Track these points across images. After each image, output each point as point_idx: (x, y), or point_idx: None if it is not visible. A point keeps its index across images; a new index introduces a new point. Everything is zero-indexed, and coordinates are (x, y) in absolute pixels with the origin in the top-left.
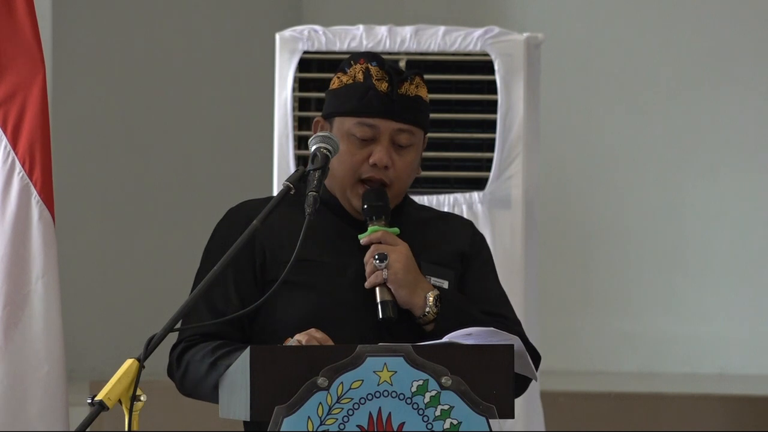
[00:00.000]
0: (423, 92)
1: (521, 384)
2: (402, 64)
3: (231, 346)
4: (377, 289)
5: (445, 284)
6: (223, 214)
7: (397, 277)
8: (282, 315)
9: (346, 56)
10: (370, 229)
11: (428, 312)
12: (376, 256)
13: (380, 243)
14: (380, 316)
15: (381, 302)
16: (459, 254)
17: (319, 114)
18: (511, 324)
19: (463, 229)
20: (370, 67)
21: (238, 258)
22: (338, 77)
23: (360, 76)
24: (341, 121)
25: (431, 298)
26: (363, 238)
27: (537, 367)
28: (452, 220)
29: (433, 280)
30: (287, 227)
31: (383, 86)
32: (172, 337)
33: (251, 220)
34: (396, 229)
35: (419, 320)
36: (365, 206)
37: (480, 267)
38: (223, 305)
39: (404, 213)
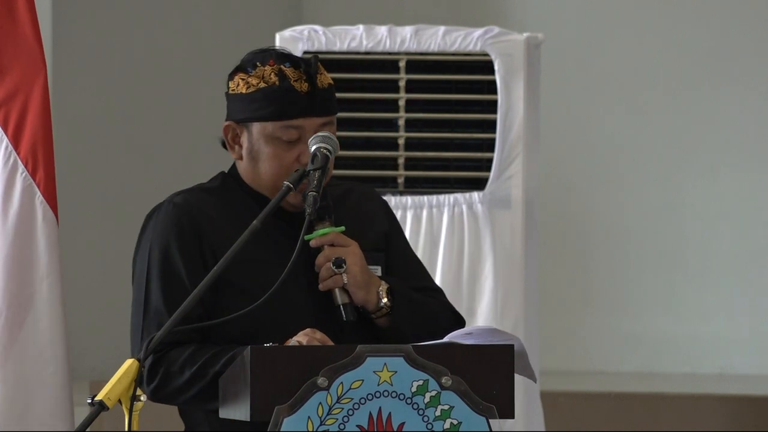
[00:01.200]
0: (329, 77)
1: None
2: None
3: (207, 351)
4: (336, 291)
5: (378, 270)
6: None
7: (356, 279)
8: (238, 320)
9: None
10: (320, 231)
11: (382, 306)
12: (334, 262)
13: (332, 245)
14: (344, 319)
15: (342, 305)
16: (383, 233)
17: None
18: (438, 295)
19: (374, 204)
20: (283, 68)
21: (189, 260)
22: (243, 79)
23: (273, 79)
24: (263, 126)
25: (383, 293)
26: (312, 240)
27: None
28: (361, 194)
29: (371, 268)
30: (231, 225)
31: (304, 87)
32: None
33: (191, 215)
34: (342, 228)
35: (372, 315)
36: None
37: (397, 241)
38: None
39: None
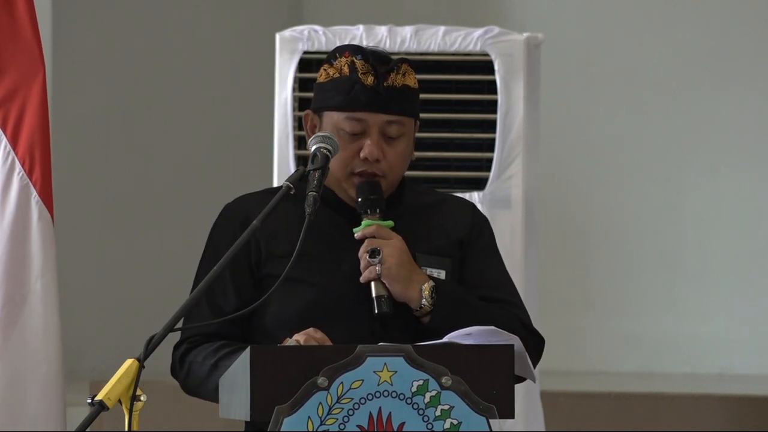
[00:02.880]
0: (410, 80)
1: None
2: None
3: (232, 346)
4: (372, 284)
5: (443, 274)
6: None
7: (391, 272)
8: (277, 311)
9: (333, 49)
10: (364, 223)
11: (424, 304)
12: (369, 252)
13: (374, 237)
14: (375, 312)
15: (376, 297)
16: (457, 241)
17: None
18: (512, 308)
19: (462, 213)
20: (355, 60)
21: (236, 255)
22: (325, 69)
23: (346, 70)
24: (330, 115)
25: (426, 291)
26: (357, 233)
27: (541, 352)
28: (452, 204)
29: (430, 270)
30: (281, 221)
31: (369, 80)
32: (173, 337)
33: (246, 215)
34: (390, 222)
35: (416, 313)
36: (359, 200)
37: (480, 251)
38: (223, 303)
39: (403, 201)
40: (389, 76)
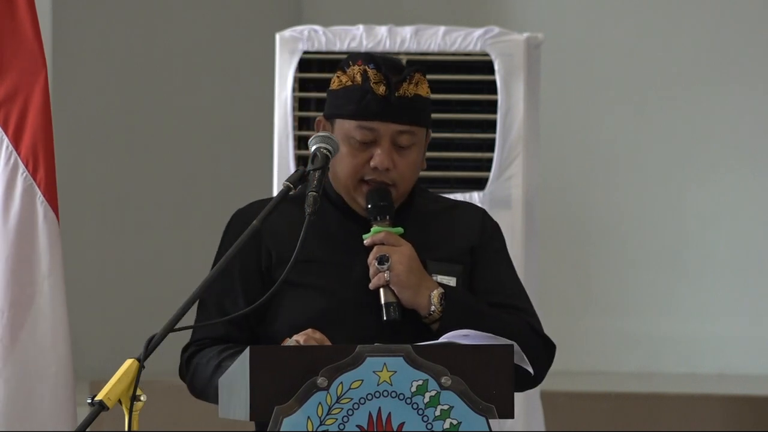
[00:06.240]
0: (423, 89)
1: (523, 380)
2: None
3: (236, 348)
4: (381, 290)
5: (453, 281)
6: (229, 214)
7: (400, 278)
8: (288, 317)
9: (346, 56)
10: (373, 229)
11: (433, 311)
12: (378, 258)
13: (383, 244)
14: (384, 318)
15: (385, 304)
16: (468, 247)
17: (321, 114)
18: (524, 315)
19: (472, 219)
20: (367, 69)
21: (246, 261)
22: (338, 77)
23: (358, 78)
24: (341, 123)
25: (435, 297)
26: (366, 239)
27: (552, 358)
28: (463, 210)
29: (440, 277)
30: (292, 226)
31: (381, 89)
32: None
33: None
34: (399, 229)
35: (425, 320)
36: (369, 206)
37: (491, 257)
38: (232, 309)
39: (413, 208)
40: (401, 86)
